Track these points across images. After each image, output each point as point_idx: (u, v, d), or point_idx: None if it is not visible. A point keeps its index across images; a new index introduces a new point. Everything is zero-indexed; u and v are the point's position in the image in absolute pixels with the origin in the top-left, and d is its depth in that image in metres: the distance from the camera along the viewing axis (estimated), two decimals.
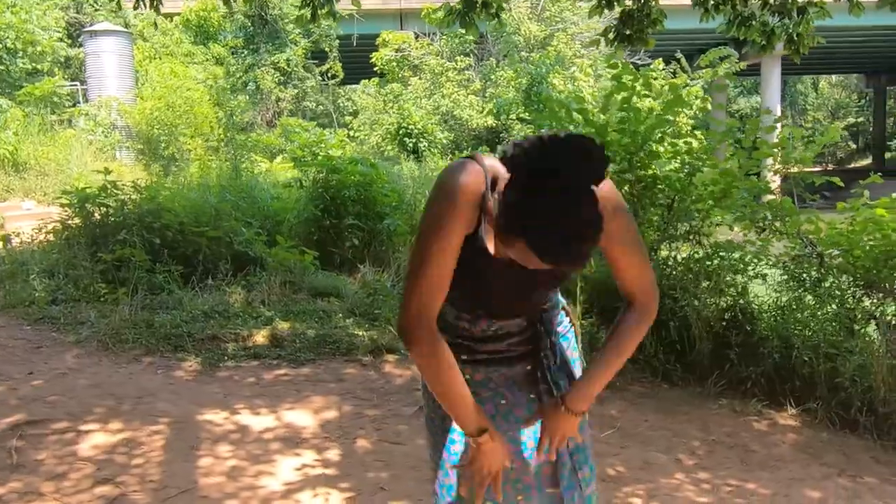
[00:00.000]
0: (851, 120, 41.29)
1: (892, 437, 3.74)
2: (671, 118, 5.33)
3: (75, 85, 16.59)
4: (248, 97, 19.23)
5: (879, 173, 5.30)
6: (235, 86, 19.24)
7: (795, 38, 4.88)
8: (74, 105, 15.98)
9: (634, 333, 1.60)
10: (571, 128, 5.65)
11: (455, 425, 1.60)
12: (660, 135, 5.26)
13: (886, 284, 4.70)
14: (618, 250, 1.53)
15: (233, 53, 20.12)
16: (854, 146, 42.07)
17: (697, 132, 6.95)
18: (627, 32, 4.90)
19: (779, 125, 5.55)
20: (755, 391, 4.16)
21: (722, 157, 5.30)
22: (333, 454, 3.36)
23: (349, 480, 3.10)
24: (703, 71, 10.75)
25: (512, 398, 1.63)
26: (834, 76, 41.87)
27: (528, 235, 1.30)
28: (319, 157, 9.79)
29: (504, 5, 5.14)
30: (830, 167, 33.26)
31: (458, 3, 4.99)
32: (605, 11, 4.94)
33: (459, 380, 1.51)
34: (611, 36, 5.02)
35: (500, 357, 1.64)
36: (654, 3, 4.87)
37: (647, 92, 6.00)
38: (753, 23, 4.90)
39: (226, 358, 4.71)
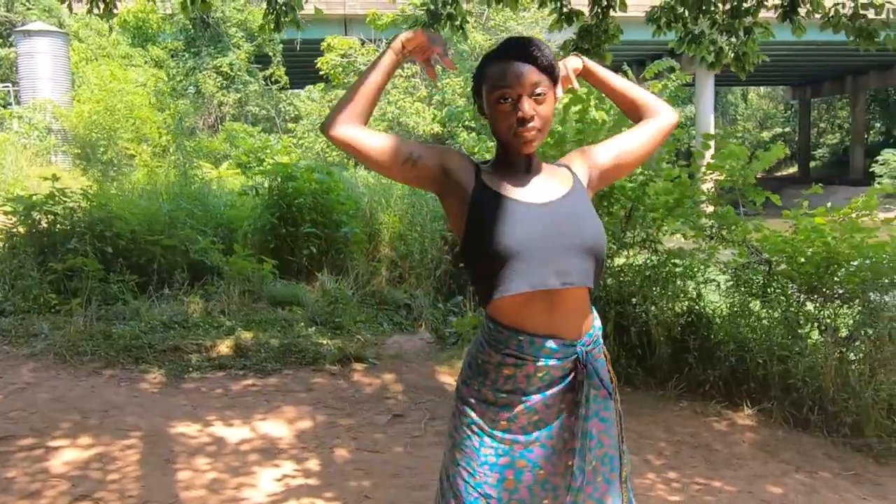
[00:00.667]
0: (779, 130, 43.14)
1: (840, 433, 3.97)
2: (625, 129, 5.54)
3: (7, 86, 15.95)
4: (189, 101, 18.83)
5: (821, 184, 5.59)
6: (176, 89, 18.82)
7: (742, 56, 5.13)
8: (6, 107, 15.36)
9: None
10: None
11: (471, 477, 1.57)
12: None
13: (826, 289, 4.97)
14: (605, 145, 1.77)
15: (172, 56, 19.67)
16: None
17: None
18: (586, 47, 5.07)
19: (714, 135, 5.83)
20: (713, 393, 4.36)
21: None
22: (313, 464, 3.37)
23: (332, 490, 3.11)
24: (651, 82, 11.08)
25: (550, 468, 1.58)
26: (762, 88, 43.66)
27: (486, 60, 1.61)
28: (265, 164, 9.66)
29: (468, 18, 5.23)
30: (759, 175, 34.56)
31: (422, 14, 5.07)
32: (565, 26, 5.08)
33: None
34: (570, 50, 5.18)
35: (538, 421, 1.57)
36: (611, 19, 5.05)
37: (601, 104, 6.21)
38: (703, 40, 5.13)
39: (190, 369, 4.64)
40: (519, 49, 1.57)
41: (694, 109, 28.44)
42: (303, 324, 5.62)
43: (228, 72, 19.67)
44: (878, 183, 24.64)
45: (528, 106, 1.54)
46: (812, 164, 38.61)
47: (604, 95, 5.82)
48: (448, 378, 4.76)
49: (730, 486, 3.33)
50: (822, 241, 4.93)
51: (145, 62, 18.17)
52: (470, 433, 1.59)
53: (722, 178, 5.59)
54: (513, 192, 1.59)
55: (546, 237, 1.54)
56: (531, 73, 1.55)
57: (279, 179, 7.30)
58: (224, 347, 4.99)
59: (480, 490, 1.56)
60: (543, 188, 1.62)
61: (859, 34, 4.46)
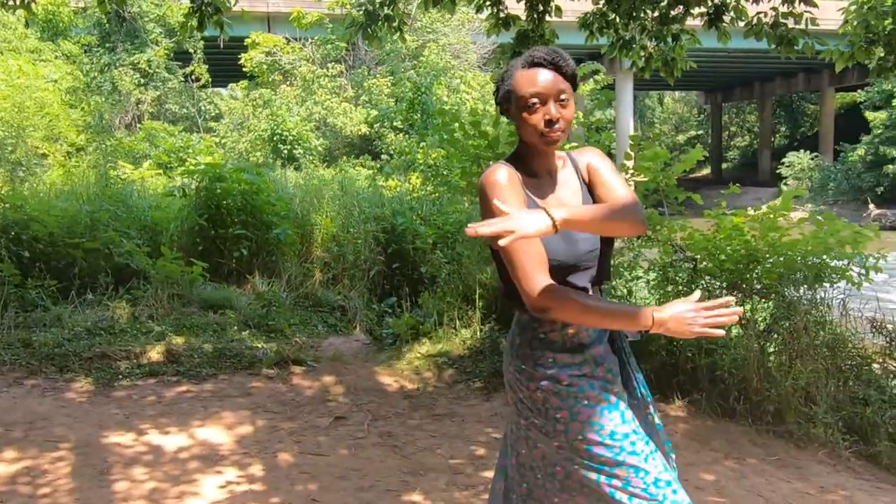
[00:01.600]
0: (693, 133, 44.96)
1: (764, 421, 4.18)
2: None
3: None
4: (103, 98, 18.07)
5: (738, 184, 5.87)
6: (90, 86, 18.03)
7: (670, 62, 5.34)
8: None
9: (627, 206, 1.74)
10: (459, 136, 5.87)
11: None
12: None
13: (746, 285, 5.23)
14: (605, 176, 1.81)
15: (86, 52, 18.84)
16: None
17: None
18: (523, 51, 5.15)
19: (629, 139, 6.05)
20: None
21: None
22: (256, 469, 3.31)
23: (278, 495, 3.07)
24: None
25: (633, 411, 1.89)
26: (677, 92, 45.36)
27: (514, 69, 1.75)
28: (188, 164, 9.37)
29: (406, 20, 5.24)
30: (677, 176, 35.86)
31: (359, 15, 5.05)
32: (501, 30, 5.16)
33: (597, 303, 1.71)
34: (508, 55, 5.26)
35: (608, 371, 1.86)
36: (547, 23, 5.16)
37: None
38: (634, 46, 5.31)
39: (120, 376, 4.48)
40: (546, 59, 1.73)
41: (614, 112, 29.32)
42: (236, 327, 5.51)
43: (146, 69, 18.99)
44: (785, 184, 26.07)
45: (555, 109, 1.70)
46: (724, 165, 40.36)
47: None
48: (388, 379, 4.76)
49: None
50: (741, 239, 5.19)
51: (56, 57, 17.34)
52: (581, 402, 1.78)
53: (646, 179, 5.81)
54: (553, 210, 1.69)
55: (581, 250, 1.77)
56: (558, 81, 1.71)
57: (207, 180, 7.11)
58: (155, 353, 4.84)
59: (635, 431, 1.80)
60: (569, 203, 1.80)
61: (780, 42, 4.72)
